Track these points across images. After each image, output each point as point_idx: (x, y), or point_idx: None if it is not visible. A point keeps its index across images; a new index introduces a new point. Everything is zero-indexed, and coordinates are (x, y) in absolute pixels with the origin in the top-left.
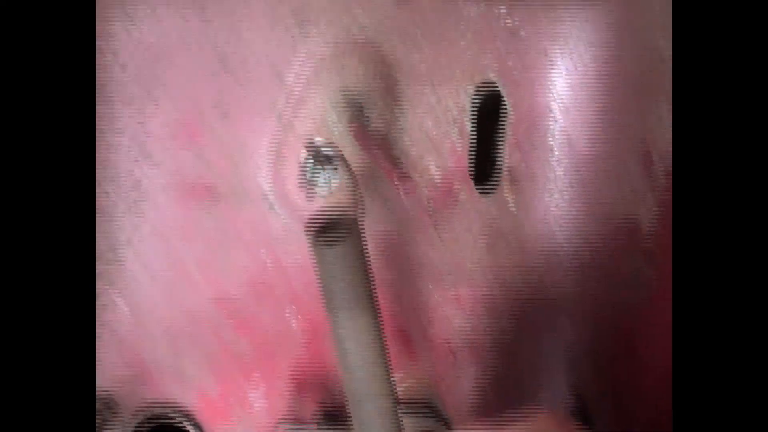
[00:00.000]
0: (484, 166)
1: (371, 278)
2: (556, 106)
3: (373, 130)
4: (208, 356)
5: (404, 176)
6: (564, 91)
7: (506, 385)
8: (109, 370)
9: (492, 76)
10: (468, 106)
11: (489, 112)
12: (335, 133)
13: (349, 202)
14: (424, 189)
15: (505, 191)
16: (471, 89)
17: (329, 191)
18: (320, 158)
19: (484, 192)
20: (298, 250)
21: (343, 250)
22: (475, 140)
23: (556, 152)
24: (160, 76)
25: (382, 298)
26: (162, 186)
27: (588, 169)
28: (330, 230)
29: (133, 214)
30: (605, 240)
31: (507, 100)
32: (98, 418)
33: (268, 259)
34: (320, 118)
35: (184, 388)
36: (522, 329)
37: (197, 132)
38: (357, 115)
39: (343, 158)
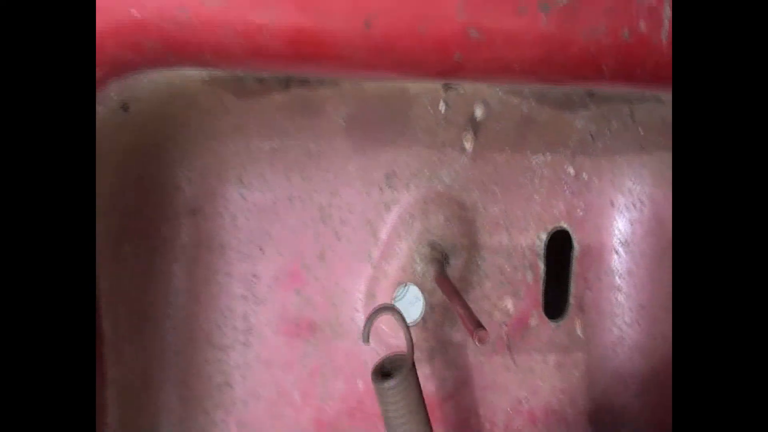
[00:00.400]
0: (554, 297)
1: (423, 404)
2: (617, 242)
3: (454, 276)
4: None
5: (478, 326)
6: (624, 227)
7: None
8: None
9: (561, 222)
10: (540, 249)
11: (558, 249)
12: (420, 277)
13: (433, 331)
14: (500, 321)
15: (574, 319)
16: (543, 235)
17: (414, 326)
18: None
19: (554, 320)
20: None
21: (394, 384)
22: (545, 276)
23: (618, 282)
24: (268, 229)
25: (466, 422)
26: (268, 322)
27: (647, 296)
28: (387, 369)
29: (243, 347)
30: (666, 360)
31: (574, 239)
32: None
33: (361, 386)
34: (408, 264)
35: None
36: None
37: (300, 277)
38: (441, 261)
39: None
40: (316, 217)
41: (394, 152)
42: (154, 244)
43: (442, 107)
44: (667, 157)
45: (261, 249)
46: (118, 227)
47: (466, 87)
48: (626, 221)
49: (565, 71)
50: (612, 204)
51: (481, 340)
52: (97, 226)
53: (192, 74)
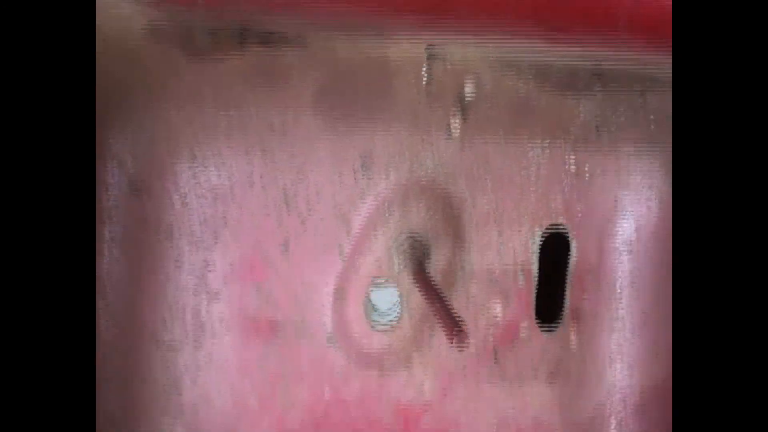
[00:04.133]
0: (548, 305)
1: None
2: (620, 245)
3: (436, 276)
4: None
5: (456, 324)
6: (629, 229)
7: None
8: None
9: (559, 220)
10: (534, 249)
11: (554, 253)
12: (397, 273)
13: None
14: (488, 328)
15: (569, 328)
16: (538, 232)
17: (390, 328)
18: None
19: (547, 330)
20: (358, 384)
21: None
22: (538, 282)
23: (619, 290)
24: (224, 213)
25: None
26: (223, 320)
27: (650, 306)
28: None
29: (194, 348)
30: (668, 374)
31: (572, 240)
32: None
33: (328, 394)
34: (384, 259)
35: None
36: None
37: (260, 269)
38: (420, 257)
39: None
40: (280, 202)
41: (371, 132)
42: (91, 222)
43: (425, 79)
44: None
45: (215, 236)
46: None
47: (455, 58)
48: (631, 222)
49: (571, 16)
50: (616, 202)
51: (459, 341)
52: None
53: (129, 25)
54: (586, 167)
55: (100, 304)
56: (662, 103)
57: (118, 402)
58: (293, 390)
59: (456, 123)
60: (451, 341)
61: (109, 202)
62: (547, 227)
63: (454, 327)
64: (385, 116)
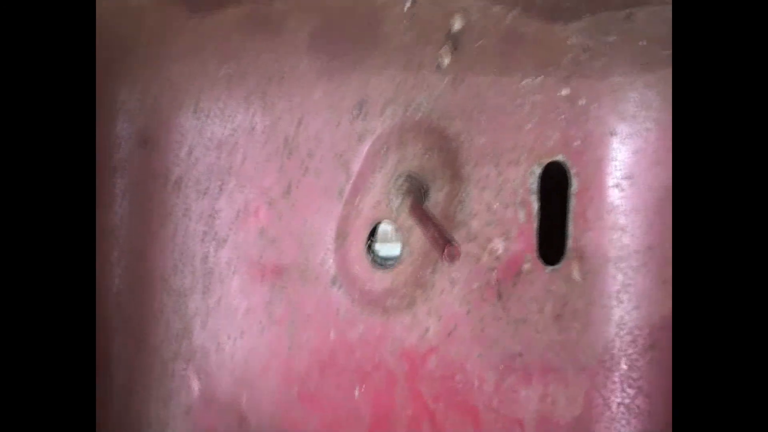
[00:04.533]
0: (550, 239)
1: None
2: (620, 175)
3: (436, 213)
4: (275, 429)
5: (449, 245)
6: (628, 159)
7: None
8: None
9: (557, 153)
10: (534, 184)
11: (554, 186)
12: (397, 212)
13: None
14: (489, 266)
15: (572, 263)
16: (536, 168)
17: (391, 268)
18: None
19: (551, 266)
20: (363, 327)
21: None
22: (539, 215)
23: (622, 221)
24: (228, 162)
25: (452, 379)
26: (230, 265)
27: (655, 235)
28: None
29: (203, 293)
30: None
31: (572, 174)
32: None
33: (334, 335)
34: (383, 199)
35: None
36: (594, 406)
37: (265, 215)
38: (419, 196)
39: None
40: (281, 150)
41: (365, 76)
42: (103, 175)
43: (409, 6)
44: (668, 74)
45: (221, 184)
46: None
47: None
48: (630, 152)
49: None
50: (613, 133)
51: (451, 257)
52: None
53: None
54: (581, 97)
55: (114, 252)
56: (650, 24)
57: (132, 345)
58: (299, 333)
59: (446, 53)
60: (442, 257)
61: (120, 154)
62: (546, 161)
63: (446, 244)
64: (377, 60)
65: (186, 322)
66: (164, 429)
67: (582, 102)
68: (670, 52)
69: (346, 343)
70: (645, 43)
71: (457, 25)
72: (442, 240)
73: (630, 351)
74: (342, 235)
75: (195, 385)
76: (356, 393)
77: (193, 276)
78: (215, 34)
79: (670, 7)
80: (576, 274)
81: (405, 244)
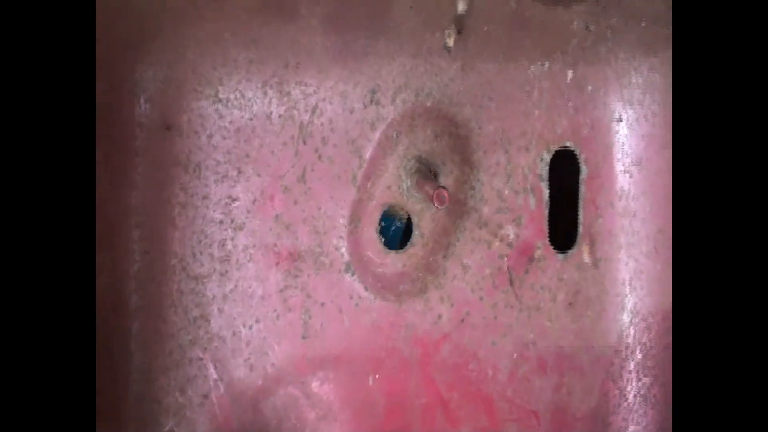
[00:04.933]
0: (561, 226)
1: None
2: (629, 161)
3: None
4: (290, 417)
5: (437, 189)
6: (636, 144)
7: None
8: (193, 426)
9: (566, 139)
10: (543, 170)
11: (563, 172)
12: (408, 195)
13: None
14: (501, 252)
15: (583, 248)
16: (546, 155)
17: (404, 251)
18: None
19: (563, 253)
20: (376, 312)
21: None
22: (549, 202)
23: (633, 206)
24: (246, 148)
25: (465, 367)
26: (247, 250)
27: (666, 219)
28: None
29: (220, 277)
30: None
31: (581, 160)
32: None
33: (347, 322)
34: (394, 183)
35: None
36: (611, 397)
37: (280, 200)
38: (427, 175)
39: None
40: (296, 136)
41: (377, 64)
42: (125, 157)
43: None
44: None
45: (239, 170)
46: None
47: None
48: (638, 137)
49: None
50: (621, 119)
51: (438, 199)
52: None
53: None
54: (588, 83)
55: (134, 233)
56: (650, 3)
57: (150, 329)
58: (314, 319)
59: (450, 33)
60: (432, 200)
61: (142, 137)
62: (555, 147)
63: (436, 188)
64: (388, 47)
65: (203, 309)
66: (181, 416)
67: (589, 88)
68: (670, 30)
69: (360, 329)
70: (645, 23)
71: (461, 6)
72: (432, 186)
73: (645, 339)
74: (355, 219)
75: (211, 372)
76: (370, 380)
77: (211, 262)
78: (235, 20)
79: None
80: (589, 261)
81: (416, 227)
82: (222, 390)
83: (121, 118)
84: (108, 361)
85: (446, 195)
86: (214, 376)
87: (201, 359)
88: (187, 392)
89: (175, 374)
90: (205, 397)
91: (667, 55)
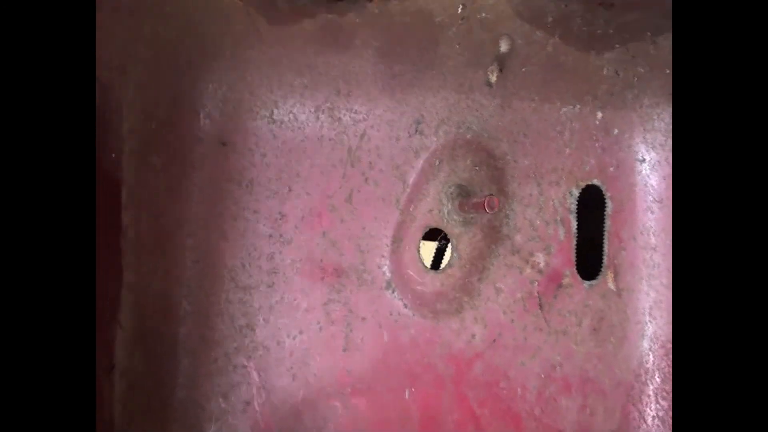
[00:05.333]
0: (587, 257)
1: None
2: (651, 199)
3: (484, 225)
4: (329, 426)
5: (488, 198)
6: (658, 184)
7: None
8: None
9: (593, 177)
10: (572, 204)
11: (591, 207)
12: (448, 219)
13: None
14: (531, 278)
15: (608, 276)
16: (575, 190)
17: (443, 271)
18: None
19: (589, 283)
20: (414, 329)
21: None
22: (577, 234)
23: (654, 241)
24: (297, 168)
25: (497, 385)
26: (293, 264)
27: None
28: None
29: (267, 288)
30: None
31: (607, 196)
32: None
33: (387, 337)
34: (435, 206)
35: None
36: (631, 420)
37: (327, 218)
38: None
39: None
40: (345, 159)
41: (422, 96)
42: (182, 168)
43: (463, 31)
44: None
45: (289, 188)
46: (148, 137)
47: (488, 11)
48: (659, 177)
49: None
50: (644, 160)
51: (489, 205)
52: (128, 133)
53: None
54: (614, 126)
55: (187, 242)
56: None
57: (197, 335)
58: (354, 334)
59: (493, 70)
60: (485, 207)
61: (199, 151)
62: (583, 184)
63: (486, 197)
64: (434, 81)
65: (250, 318)
66: (223, 421)
67: (615, 131)
68: None
69: (398, 345)
70: (668, 72)
71: (504, 46)
72: (482, 197)
73: (663, 364)
74: (398, 240)
75: (255, 380)
76: (407, 394)
77: (259, 274)
78: (292, 46)
79: None
80: (613, 292)
81: (454, 250)
82: (264, 398)
83: (181, 131)
84: (156, 365)
85: (496, 201)
86: (258, 383)
87: (245, 367)
88: (231, 398)
89: (219, 380)
90: (248, 403)
91: None
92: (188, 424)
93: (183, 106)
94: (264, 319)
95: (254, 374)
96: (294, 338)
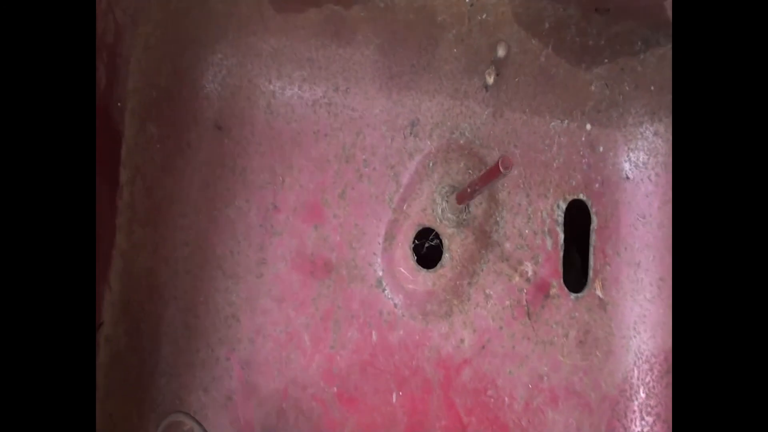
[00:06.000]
0: (573, 271)
1: None
2: (634, 216)
3: (475, 227)
4: (313, 427)
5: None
6: (641, 200)
7: None
8: (214, 427)
9: (579, 194)
10: (559, 216)
11: (576, 222)
12: (441, 218)
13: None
14: (520, 286)
15: (596, 286)
16: (562, 203)
17: (435, 271)
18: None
19: (575, 295)
20: (404, 330)
21: None
22: (564, 246)
23: (637, 257)
24: (291, 160)
25: (484, 393)
26: (284, 256)
27: (666, 269)
28: None
29: (255, 279)
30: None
31: (592, 211)
32: None
33: (375, 337)
34: (429, 205)
35: None
36: (614, 431)
37: (320, 212)
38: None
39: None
40: (340, 155)
41: (419, 99)
42: (178, 144)
43: (462, 37)
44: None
45: (282, 179)
46: (148, 103)
47: (489, 12)
48: (642, 194)
49: None
50: (627, 178)
51: (505, 164)
52: (131, 91)
53: None
54: (599, 142)
55: (179, 221)
56: (658, 68)
57: (180, 322)
58: (343, 331)
59: (491, 73)
60: (500, 168)
61: (196, 131)
62: (570, 198)
63: (499, 159)
64: (430, 85)
65: (235, 309)
66: (203, 415)
67: (601, 148)
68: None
69: (387, 345)
70: (653, 90)
71: (501, 51)
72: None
73: (648, 379)
74: (390, 237)
75: (237, 374)
76: (394, 398)
77: (248, 263)
78: (295, 37)
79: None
80: (598, 305)
81: (446, 250)
82: (247, 393)
83: (178, 107)
84: (138, 343)
85: (510, 159)
86: (240, 378)
87: (228, 360)
88: (211, 392)
89: (200, 373)
90: (229, 398)
91: (669, 120)
92: (165, 415)
93: (183, 82)
94: (250, 311)
95: (237, 368)
96: (280, 333)
